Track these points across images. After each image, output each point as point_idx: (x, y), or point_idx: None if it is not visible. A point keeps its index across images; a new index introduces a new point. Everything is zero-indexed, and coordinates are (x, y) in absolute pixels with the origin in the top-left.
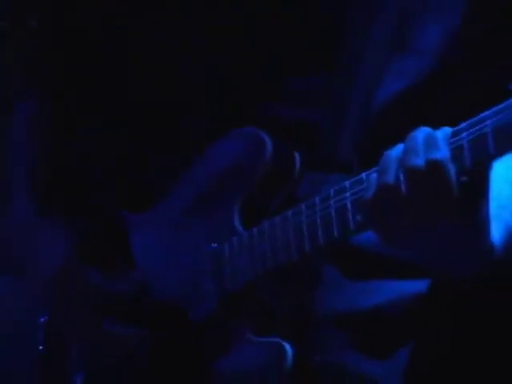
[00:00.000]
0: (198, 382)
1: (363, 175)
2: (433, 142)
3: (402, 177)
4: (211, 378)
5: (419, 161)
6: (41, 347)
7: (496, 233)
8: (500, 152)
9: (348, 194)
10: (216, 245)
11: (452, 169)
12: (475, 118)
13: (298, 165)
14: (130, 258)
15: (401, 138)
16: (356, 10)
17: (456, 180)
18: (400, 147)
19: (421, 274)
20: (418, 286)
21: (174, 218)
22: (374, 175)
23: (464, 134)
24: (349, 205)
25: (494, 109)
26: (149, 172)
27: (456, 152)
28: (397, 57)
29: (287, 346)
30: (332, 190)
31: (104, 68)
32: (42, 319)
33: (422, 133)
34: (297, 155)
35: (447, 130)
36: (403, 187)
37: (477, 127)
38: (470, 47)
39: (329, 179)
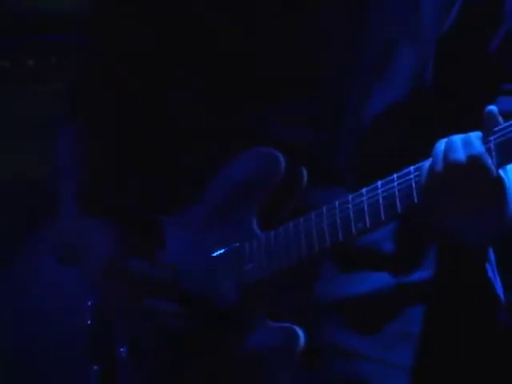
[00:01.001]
0: (219, 358)
1: (363, 190)
2: (469, 142)
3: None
4: (231, 356)
5: (461, 156)
6: (89, 322)
7: None
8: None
9: (350, 206)
10: (238, 244)
11: (488, 159)
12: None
13: (305, 178)
14: (164, 251)
15: (387, 155)
16: (342, 39)
17: (494, 169)
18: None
19: (399, 267)
20: (394, 276)
21: (201, 221)
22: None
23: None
24: (351, 214)
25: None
26: (180, 181)
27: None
28: (378, 83)
29: (299, 330)
30: (337, 202)
31: (138, 95)
32: (90, 303)
33: (458, 136)
34: (304, 170)
35: (478, 132)
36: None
37: (503, 131)
38: (442, 75)
39: (325, 192)
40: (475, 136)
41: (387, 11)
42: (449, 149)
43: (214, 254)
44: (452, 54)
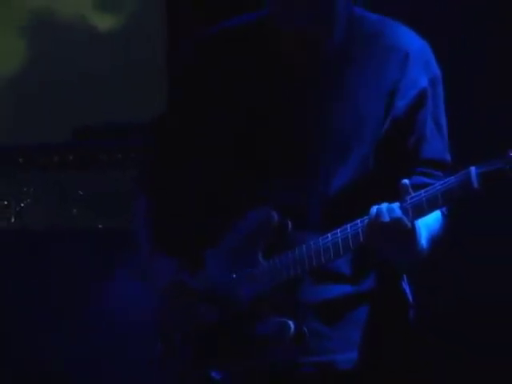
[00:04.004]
0: (237, 345)
1: (328, 235)
2: (392, 208)
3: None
4: (244, 343)
5: (386, 218)
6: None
7: (424, 241)
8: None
9: (320, 244)
10: (250, 269)
11: (404, 219)
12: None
13: (290, 227)
14: (205, 273)
15: (345, 212)
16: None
17: (408, 224)
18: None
19: (352, 281)
20: (350, 287)
21: (226, 254)
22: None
23: (408, 203)
24: (321, 249)
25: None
26: (213, 228)
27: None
28: (340, 166)
29: (291, 322)
30: (311, 242)
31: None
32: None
33: (385, 204)
34: (289, 222)
35: (397, 203)
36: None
37: (415, 198)
38: (379, 163)
39: (303, 235)
40: (395, 205)
41: (349, 109)
42: (379, 213)
43: (234, 276)
44: (385, 149)
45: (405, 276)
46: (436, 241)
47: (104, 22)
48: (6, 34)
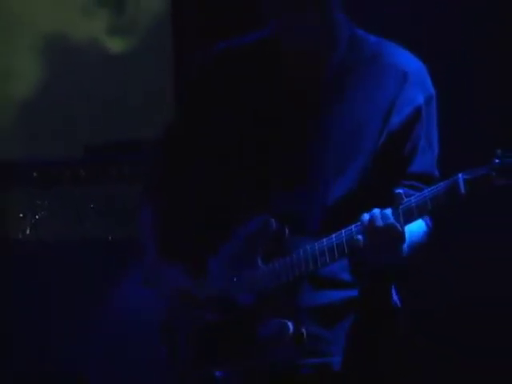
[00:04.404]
0: (242, 344)
1: (324, 240)
2: (385, 214)
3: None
4: (248, 343)
5: (380, 223)
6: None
7: (406, 247)
8: (410, 221)
9: (316, 248)
10: (250, 273)
11: (396, 224)
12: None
13: (287, 232)
14: (209, 277)
15: (341, 219)
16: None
17: (399, 228)
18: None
19: (347, 287)
20: (344, 292)
21: (229, 258)
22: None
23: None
24: (317, 253)
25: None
26: (217, 234)
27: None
28: (339, 178)
29: (290, 323)
30: (308, 247)
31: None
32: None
33: (377, 210)
34: (286, 228)
35: (389, 209)
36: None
37: (405, 204)
38: (376, 174)
39: (300, 240)
40: (388, 211)
41: (346, 127)
42: (373, 218)
43: (235, 280)
44: (381, 161)
45: (394, 283)
46: (416, 248)
47: (115, 45)
48: (21, 57)
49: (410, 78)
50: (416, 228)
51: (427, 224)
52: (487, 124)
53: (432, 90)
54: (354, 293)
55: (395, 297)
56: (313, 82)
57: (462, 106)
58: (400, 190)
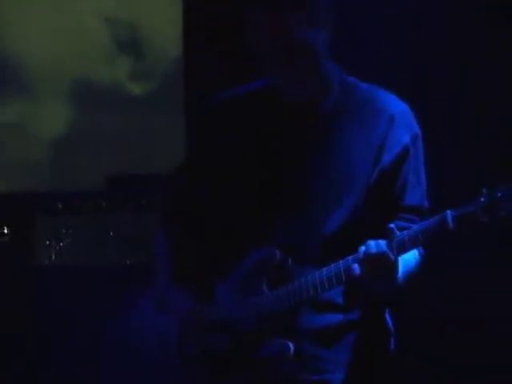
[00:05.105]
0: (245, 366)
1: (323, 269)
2: (379, 244)
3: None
4: (250, 358)
5: (374, 251)
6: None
7: (401, 275)
8: (401, 253)
9: (316, 277)
10: (256, 299)
11: (389, 253)
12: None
13: (290, 262)
14: (216, 302)
15: (338, 251)
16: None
17: (392, 257)
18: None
19: (344, 311)
20: (341, 315)
21: (234, 285)
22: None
23: (394, 242)
24: (317, 281)
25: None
26: (225, 262)
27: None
28: (332, 212)
29: (291, 344)
30: (309, 276)
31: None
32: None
33: (372, 241)
34: (290, 258)
35: (383, 241)
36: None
37: (398, 237)
38: (368, 208)
39: (301, 269)
40: (382, 242)
41: (340, 164)
42: (367, 247)
43: (242, 306)
44: (373, 197)
45: (387, 308)
46: (411, 275)
47: (134, 88)
48: (50, 99)
49: (397, 120)
50: (409, 256)
51: (419, 251)
52: (474, 160)
53: (417, 130)
54: (350, 316)
55: (389, 320)
56: (309, 124)
57: (448, 144)
58: (392, 225)
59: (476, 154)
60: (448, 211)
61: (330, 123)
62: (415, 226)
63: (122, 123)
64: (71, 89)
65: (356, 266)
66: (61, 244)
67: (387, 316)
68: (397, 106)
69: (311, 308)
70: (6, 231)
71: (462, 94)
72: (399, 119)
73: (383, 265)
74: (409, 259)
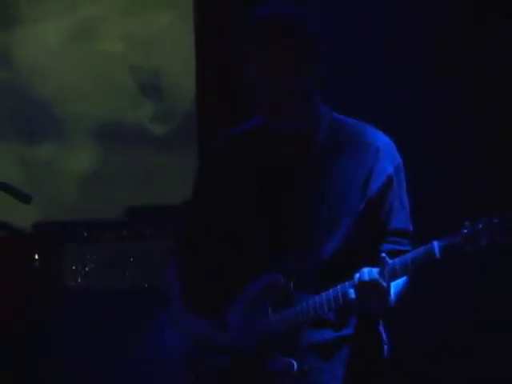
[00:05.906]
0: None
1: (323, 294)
2: (371, 272)
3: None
4: (256, 374)
5: (366, 278)
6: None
7: (393, 296)
8: (394, 279)
9: (317, 301)
10: (262, 322)
11: (381, 280)
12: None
13: (292, 287)
14: (226, 326)
15: (337, 275)
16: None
17: (384, 284)
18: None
19: (337, 327)
20: (334, 332)
21: (242, 310)
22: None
23: (386, 271)
24: (317, 305)
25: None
26: (233, 289)
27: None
28: (327, 237)
29: (294, 361)
30: (310, 300)
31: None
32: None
33: (366, 268)
34: (291, 283)
35: (376, 269)
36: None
37: (390, 266)
38: (360, 232)
39: (302, 294)
40: (375, 270)
41: (336, 193)
42: (361, 274)
43: (249, 328)
44: (363, 224)
45: (380, 320)
46: (401, 294)
47: (155, 129)
48: (79, 140)
49: (382, 152)
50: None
51: None
52: (458, 190)
53: (399, 160)
54: (342, 332)
55: (383, 333)
56: (302, 159)
57: (431, 174)
58: (384, 254)
59: (456, 182)
60: (435, 242)
61: (319, 158)
62: (405, 256)
63: (143, 159)
64: (98, 129)
65: (352, 291)
66: (86, 269)
67: (380, 326)
68: (381, 140)
69: (310, 325)
70: (36, 257)
71: (447, 127)
72: (383, 151)
73: (376, 291)
74: (398, 282)
